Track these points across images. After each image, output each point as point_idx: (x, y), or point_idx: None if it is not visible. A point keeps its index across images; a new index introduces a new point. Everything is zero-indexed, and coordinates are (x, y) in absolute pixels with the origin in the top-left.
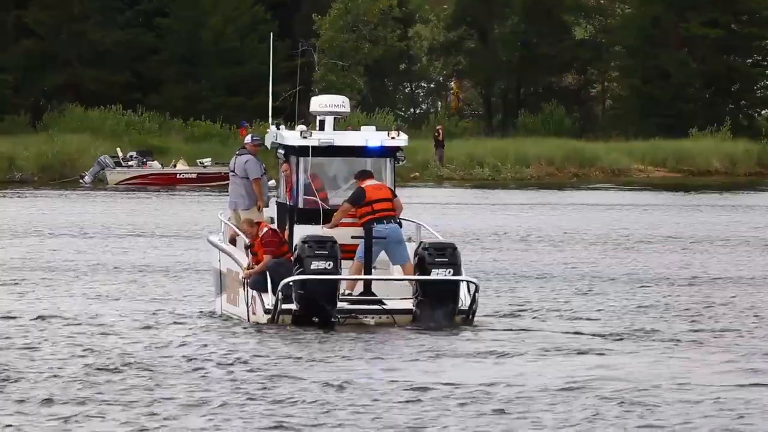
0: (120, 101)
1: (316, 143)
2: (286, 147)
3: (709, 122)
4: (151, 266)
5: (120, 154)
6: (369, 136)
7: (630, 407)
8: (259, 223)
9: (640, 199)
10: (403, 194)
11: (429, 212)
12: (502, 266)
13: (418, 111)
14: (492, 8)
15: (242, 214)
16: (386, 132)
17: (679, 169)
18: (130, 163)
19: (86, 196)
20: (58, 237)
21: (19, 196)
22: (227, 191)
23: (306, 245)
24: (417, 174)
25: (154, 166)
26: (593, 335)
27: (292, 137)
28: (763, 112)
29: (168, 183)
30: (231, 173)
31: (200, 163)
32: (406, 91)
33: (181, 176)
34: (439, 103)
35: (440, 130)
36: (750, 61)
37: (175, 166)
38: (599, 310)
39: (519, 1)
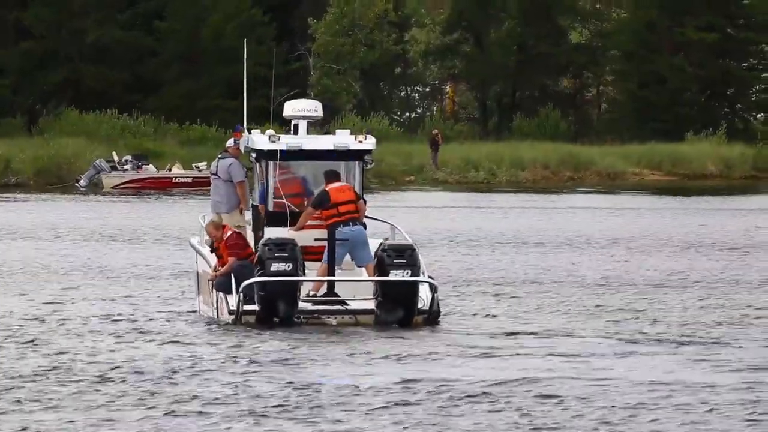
0: (119, 102)
1: (284, 147)
2: (256, 151)
3: (704, 126)
4: (141, 269)
5: (116, 158)
6: (336, 140)
7: (599, 408)
8: (224, 227)
9: (634, 203)
10: (397, 198)
11: (414, 215)
12: (481, 268)
13: (413, 115)
14: (488, 12)
15: (224, 217)
16: (354, 136)
17: (674, 172)
18: (125, 167)
19: (82, 200)
20: (53, 241)
21: (14, 200)
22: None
23: (266, 248)
24: (412, 177)
25: (150, 169)
26: (561, 336)
27: (261, 142)
28: (758, 116)
29: (163, 187)
30: (213, 176)
31: (196, 166)
32: (402, 95)
33: (177, 180)
34: (435, 106)
35: (439, 135)
36: (745, 65)
37: (170, 169)
38: (578, 312)
39: (515, 4)
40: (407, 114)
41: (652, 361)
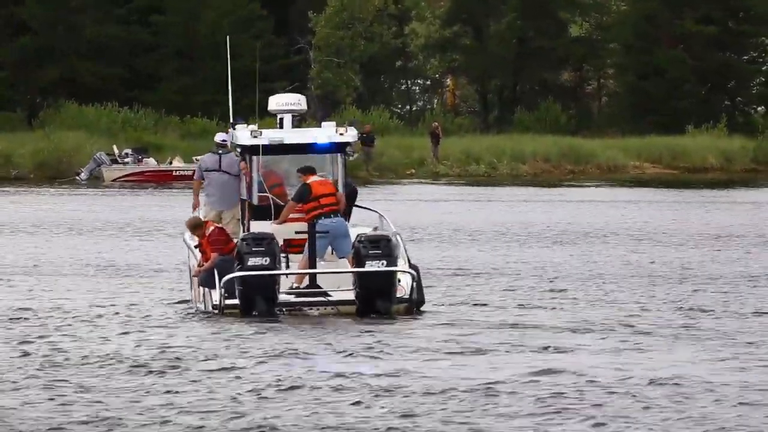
0: (117, 98)
1: (266, 142)
2: (240, 146)
3: (705, 119)
4: (140, 261)
5: (116, 151)
6: (317, 133)
7: (587, 401)
8: (206, 223)
9: (634, 196)
10: (397, 191)
11: (413, 208)
12: (476, 260)
13: (414, 108)
14: (488, 5)
15: (228, 213)
16: (335, 129)
17: (674, 165)
18: (126, 160)
19: (82, 193)
20: (53, 234)
21: (15, 193)
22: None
23: (244, 243)
24: (413, 170)
25: (150, 163)
26: (553, 330)
27: (244, 137)
28: (758, 108)
29: (164, 180)
30: (218, 172)
31: (196, 160)
32: (402, 88)
33: (177, 173)
34: (435, 100)
35: (439, 127)
36: (746, 58)
37: (170, 163)
38: (570, 305)
39: None
40: (408, 107)
41: (648, 356)
